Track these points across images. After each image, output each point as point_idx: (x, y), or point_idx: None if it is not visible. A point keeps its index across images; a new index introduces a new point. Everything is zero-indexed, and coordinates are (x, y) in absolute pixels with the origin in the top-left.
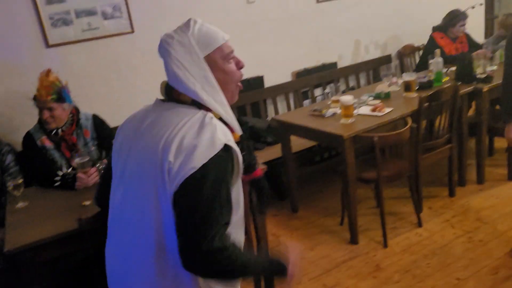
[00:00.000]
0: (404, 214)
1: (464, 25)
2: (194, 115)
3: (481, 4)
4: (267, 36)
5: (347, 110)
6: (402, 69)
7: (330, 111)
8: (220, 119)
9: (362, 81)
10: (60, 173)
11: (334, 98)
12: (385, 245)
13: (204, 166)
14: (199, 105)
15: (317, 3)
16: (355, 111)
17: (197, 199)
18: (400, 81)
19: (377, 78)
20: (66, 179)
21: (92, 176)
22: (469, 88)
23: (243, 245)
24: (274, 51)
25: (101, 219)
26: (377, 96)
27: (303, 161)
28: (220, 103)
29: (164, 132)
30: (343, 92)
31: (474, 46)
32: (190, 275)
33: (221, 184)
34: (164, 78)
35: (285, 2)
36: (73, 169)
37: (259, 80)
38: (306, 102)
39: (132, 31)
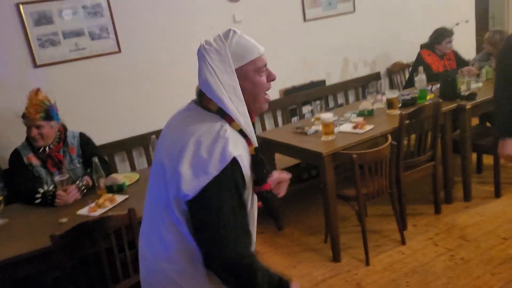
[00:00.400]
0: (388, 232)
1: (450, 42)
2: (214, 126)
3: (467, 21)
4: None
5: (327, 127)
6: (392, 86)
7: (313, 128)
8: (240, 130)
9: (351, 98)
10: (41, 190)
11: (317, 115)
12: (367, 263)
13: (216, 177)
14: (223, 114)
15: (305, 22)
16: (337, 129)
17: (212, 209)
18: (385, 99)
19: (366, 95)
20: (46, 196)
21: (71, 194)
22: (453, 105)
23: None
24: None
25: (74, 236)
26: (360, 114)
27: (290, 178)
28: (243, 114)
29: (183, 138)
30: (331, 110)
31: (461, 63)
32: None
33: (234, 193)
34: (151, 97)
35: (272, 21)
36: (56, 186)
37: None
38: (294, 120)
39: (119, 51)
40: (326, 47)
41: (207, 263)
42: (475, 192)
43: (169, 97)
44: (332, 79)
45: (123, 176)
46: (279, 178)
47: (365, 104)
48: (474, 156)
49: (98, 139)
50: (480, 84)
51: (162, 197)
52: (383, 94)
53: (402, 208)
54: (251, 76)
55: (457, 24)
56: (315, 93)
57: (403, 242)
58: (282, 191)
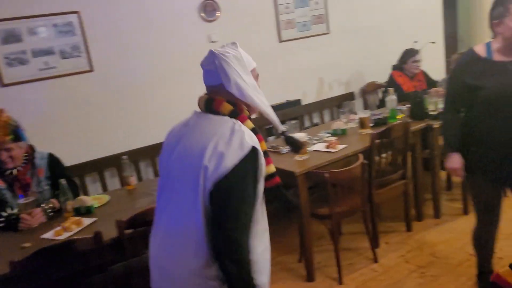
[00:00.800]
0: (362, 250)
1: (416, 61)
2: (226, 124)
3: (433, 42)
4: None
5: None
6: (366, 106)
7: (287, 148)
8: (253, 128)
9: (326, 117)
10: (4, 213)
11: (291, 135)
12: (340, 282)
13: (235, 167)
14: (235, 115)
15: (280, 43)
16: (311, 148)
17: (230, 195)
18: (357, 118)
19: (340, 114)
20: (10, 220)
21: (36, 217)
22: (422, 124)
23: (269, 250)
24: None
25: (36, 261)
26: (334, 133)
27: (269, 197)
28: (266, 105)
29: (201, 139)
30: (306, 129)
31: (431, 83)
32: None
33: (251, 182)
34: (125, 116)
35: (248, 42)
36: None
37: None
38: (271, 139)
39: (91, 70)
40: (301, 67)
41: (214, 243)
42: (445, 209)
43: (144, 116)
44: (308, 99)
45: (92, 198)
46: None
47: (338, 124)
48: (444, 173)
49: (69, 160)
50: None
51: (189, 200)
52: (356, 113)
53: (375, 226)
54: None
55: (415, 42)
56: (291, 112)
57: (375, 260)
58: None
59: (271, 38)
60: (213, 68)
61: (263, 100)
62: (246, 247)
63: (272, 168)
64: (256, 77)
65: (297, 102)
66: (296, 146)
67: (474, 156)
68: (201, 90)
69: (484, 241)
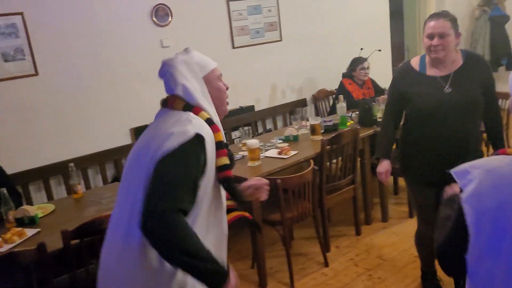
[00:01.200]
0: (313, 254)
1: (364, 69)
2: (181, 117)
3: (379, 50)
4: None
5: (253, 153)
6: (317, 112)
7: (240, 154)
8: (207, 119)
9: (279, 123)
10: None
11: (243, 141)
12: (292, 286)
13: (174, 150)
14: (189, 109)
15: (233, 49)
16: (263, 154)
17: (166, 173)
18: (309, 125)
19: (292, 121)
20: None
21: None
22: (370, 131)
23: (215, 247)
24: None
25: None
26: (286, 139)
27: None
28: (213, 113)
29: (153, 132)
30: (259, 135)
31: (379, 91)
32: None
33: (190, 168)
34: (73, 122)
35: (201, 47)
36: None
37: None
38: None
39: (36, 74)
40: (254, 74)
41: (143, 218)
42: (392, 212)
43: (91, 121)
44: (261, 105)
45: (36, 207)
46: (255, 185)
47: (291, 130)
48: (390, 178)
49: (11, 167)
50: None
51: (134, 194)
52: (308, 120)
53: (326, 231)
54: (215, 83)
55: (362, 49)
56: (244, 118)
57: (326, 264)
58: (263, 195)
59: (224, 44)
60: (163, 76)
61: (210, 110)
62: (182, 230)
63: (223, 161)
64: (217, 77)
65: (251, 108)
66: (236, 196)
67: (410, 161)
68: (152, 95)
69: (425, 242)
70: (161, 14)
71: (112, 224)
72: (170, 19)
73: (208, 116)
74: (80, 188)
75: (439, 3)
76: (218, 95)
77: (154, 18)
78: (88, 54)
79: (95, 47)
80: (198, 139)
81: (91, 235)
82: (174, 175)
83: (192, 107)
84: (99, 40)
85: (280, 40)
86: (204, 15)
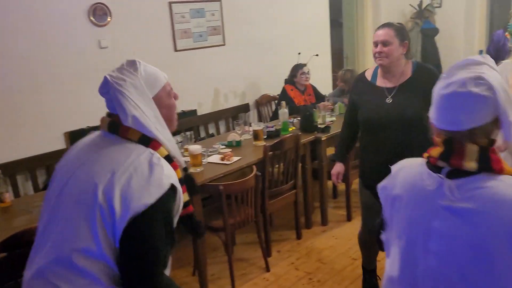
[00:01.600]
0: (255, 260)
1: (304, 74)
2: (142, 154)
3: (316, 55)
4: None
5: (195, 159)
6: (260, 118)
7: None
8: (166, 156)
9: (222, 128)
10: None
11: (186, 146)
12: None
13: (152, 206)
14: (147, 142)
15: (176, 52)
16: (205, 160)
17: (146, 238)
18: (252, 130)
19: (235, 126)
20: None
21: None
22: (311, 137)
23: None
24: None
25: None
26: (229, 145)
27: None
28: (168, 139)
29: (110, 167)
30: (202, 140)
31: (319, 97)
32: None
33: (168, 222)
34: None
35: (141, 49)
36: None
37: None
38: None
39: None
40: (197, 78)
41: (130, 282)
42: (331, 216)
43: (21, 125)
44: (203, 109)
45: None
46: None
47: (233, 136)
48: (330, 183)
49: None
50: (334, 118)
51: (80, 231)
52: (251, 125)
53: (267, 236)
54: (165, 101)
55: (299, 53)
56: (186, 123)
57: (267, 269)
58: None
59: (166, 47)
60: (105, 95)
61: (166, 134)
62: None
63: (184, 197)
64: (168, 94)
65: (193, 112)
66: (198, 230)
67: (362, 165)
68: (89, 97)
69: (367, 241)
70: (99, 14)
71: (38, 253)
72: (109, 19)
73: (167, 152)
74: (8, 196)
75: (375, 14)
76: (168, 114)
77: (92, 18)
78: (16, 53)
79: (25, 46)
80: (173, 189)
81: (22, 246)
82: (156, 234)
83: (149, 140)
84: (30, 38)
85: (224, 45)
86: (145, 16)
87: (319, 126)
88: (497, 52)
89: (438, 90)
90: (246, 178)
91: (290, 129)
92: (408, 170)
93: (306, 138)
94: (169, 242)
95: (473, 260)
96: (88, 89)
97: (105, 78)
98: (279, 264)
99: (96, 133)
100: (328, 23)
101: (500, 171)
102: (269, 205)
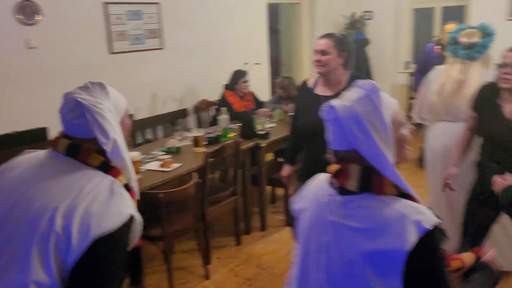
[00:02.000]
0: (194, 268)
1: (246, 82)
2: (103, 181)
3: (258, 63)
4: (51, 85)
5: (133, 166)
6: (199, 123)
7: None
8: (125, 184)
9: (160, 134)
10: None
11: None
12: None
13: (112, 234)
14: (107, 169)
15: (111, 54)
16: (143, 167)
17: (102, 266)
18: (192, 136)
19: (174, 132)
20: None
21: None
22: (251, 143)
23: None
24: (57, 102)
25: None
26: (168, 151)
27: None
28: (131, 167)
29: (69, 193)
30: (139, 146)
31: (258, 104)
32: None
33: (123, 254)
34: None
35: (74, 51)
36: None
37: (41, 132)
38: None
39: None
40: (134, 81)
41: None
42: (270, 221)
43: None
44: (141, 114)
45: None
46: None
47: (173, 141)
48: (269, 188)
49: None
50: (274, 124)
51: (25, 260)
52: (190, 131)
53: (207, 243)
54: (127, 123)
55: (246, 63)
56: None
57: (207, 276)
58: None
59: (101, 49)
60: (83, 122)
61: (129, 163)
62: None
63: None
64: (127, 115)
65: (130, 117)
66: (140, 270)
67: (301, 167)
68: (15, 99)
69: None
70: (28, 12)
71: None
72: (38, 17)
73: (126, 181)
74: None
75: (311, 23)
76: (126, 134)
77: (19, 16)
78: None
79: None
80: (131, 220)
81: None
82: (112, 263)
83: (110, 166)
84: None
85: (162, 48)
86: (79, 15)
87: (259, 132)
88: (426, 64)
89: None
90: (187, 185)
91: (230, 135)
92: (316, 183)
93: (246, 145)
94: (123, 275)
95: (349, 278)
96: (15, 91)
97: (76, 100)
98: (219, 271)
99: (44, 153)
100: (266, 30)
101: (380, 192)
102: (209, 212)
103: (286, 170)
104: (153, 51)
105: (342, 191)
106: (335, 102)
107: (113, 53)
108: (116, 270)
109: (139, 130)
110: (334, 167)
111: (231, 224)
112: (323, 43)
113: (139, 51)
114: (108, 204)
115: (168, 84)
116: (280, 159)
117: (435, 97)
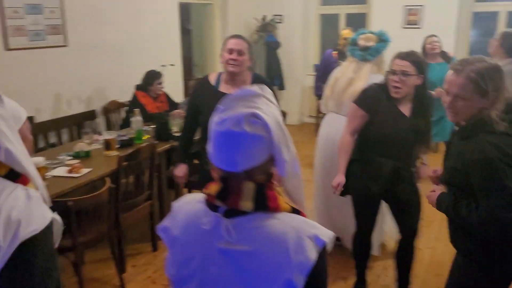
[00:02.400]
0: (108, 277)
1: (160, 83)
2: (15, 189)
3: (172, 65)
4: None
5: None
6: (108, 125)
7: None
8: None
9: (65, 137)
10: None
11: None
12: None
13: (37, 236)
14: (15, 177)
15: (8, 51)
16: (49, 173)
17: (32, 266)
18: (102, 139)
19: (82, 135)
20: None
21: None
22: (167, 145)
23: None
24: None
25: None
26: (76, 155)
27: None
28: (36, 175)
29: None
30: (42, 150)
31: (172, 105)
32: None
33: (52, 255)
34: None
35: None
36: None
37: None
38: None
39: None
40: (34, 81)
41: None
42: None
43: None
44: (42, 116)
45: None
46: None
47: (81, 145)
48: (185, 190)
49: None
50: None
51: None
52: (100, 134)
53: (122, 251)
54: (27, 134)
55: (163, 65)
56: None
57: (122, 286)
58: None
59: None
60: None
61: (33, 169)
62: None
63: None
64: (28, 128)
65: (29, 119)
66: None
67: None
68: None
69: None
70: None
71: None
72: None
73: (35, 188)
74: None
75: (223, 24)
76: (28, 148)
77: None
78: None
79: None
80: (52, 223)
81: None
82: (41, 265)
83: (18, 175)
84: None
85: (66, 46)
86: None
87: (174, 134)
88: (326, 68)
89: (214, 125)
90: (99, 191)
91: (144, 138)
92: (187, 207)
93: (162, 147)
94: (54, 276)
95: None
96: None
97: None
98: (135, 279)
99: None
100: (178, 30)
101: (276, 209)
102: (124, 218)
103: (182, 169)
104: (56, 48)
105: (229, 213)
106: (238, 109)
107: (10, 49)
108: (47, 270)
109: (41, 134)
110: (214, 187)
111: (146, 229)
112: (240, 43)
113: (40, 48)
114: (30, 209)
115: (73, 84)
116: (196, 161)
117: (329, 90)
